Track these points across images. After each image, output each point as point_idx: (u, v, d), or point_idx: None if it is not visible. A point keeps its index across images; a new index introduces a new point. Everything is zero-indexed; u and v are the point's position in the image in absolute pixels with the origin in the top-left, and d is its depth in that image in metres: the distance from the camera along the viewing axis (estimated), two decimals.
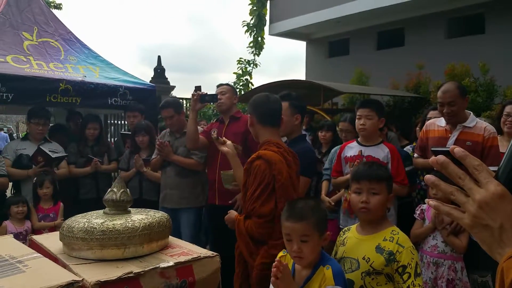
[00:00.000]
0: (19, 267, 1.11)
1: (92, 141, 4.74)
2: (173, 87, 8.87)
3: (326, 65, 12.60)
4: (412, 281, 1.73)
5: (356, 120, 3.24)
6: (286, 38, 13.34)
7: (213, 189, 3.76)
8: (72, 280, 1.04)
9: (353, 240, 2.00)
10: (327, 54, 12.96)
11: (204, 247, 4.29)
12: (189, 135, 3.68)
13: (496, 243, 0.71)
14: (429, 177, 0.78)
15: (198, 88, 3.56)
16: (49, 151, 4.18)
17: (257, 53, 12.04)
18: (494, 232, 0.71)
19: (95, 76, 5.23)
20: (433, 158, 0.77)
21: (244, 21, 12.04)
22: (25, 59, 4.83)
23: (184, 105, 8.41)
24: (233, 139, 3.64)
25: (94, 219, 1.31)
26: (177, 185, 3.94)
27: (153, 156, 4.12)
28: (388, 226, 1.92)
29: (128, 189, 1.42)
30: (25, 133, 4.69)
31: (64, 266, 1.21)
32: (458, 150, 0.76)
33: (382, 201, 1.92)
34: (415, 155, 3.60)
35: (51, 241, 1.38)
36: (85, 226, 1.28)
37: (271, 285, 1.72)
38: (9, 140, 14.90)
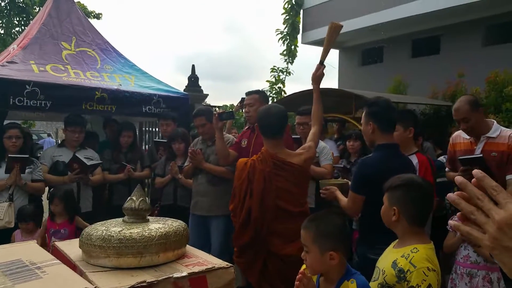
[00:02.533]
0: (37, 273, 1.15)
1: (126, 148, 4.85)
2: (206, 95, 8.97)
3: (360, 73, 12.46)
4: None
5: None
6: (319, 47, 13.29)
7: None
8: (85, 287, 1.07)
9: (387, 251, 2.01)
10: (360, 62, 12.82)
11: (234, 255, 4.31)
12: (219, 153, 3.75)
13: None
14: (450, 195, 0.77)
15: (243, 100, 3.64)
16: (85, 158, 4.28)
17: (290, 61, 12.05)
18: None
19: (130, 84, 5.37)
20: (456, 178, 0.77)
21: (277, 29, 12.09)
22: (63, 68, 5.01)
23: None
24: (260, 150, 3.65)
25: (112, 227, 1.34)
26: (208, 192, 3.98)
27: (185, 164, 4.18)
28: (414, 243, 1.84)
29: (147, 198, 1.44)
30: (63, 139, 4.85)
31: (81, 273, 1.24)
32: (475, 172, 0.75)
33: (383, 211, 1.95)
34: (447, 168, 3.58)
35: (72, 247, 1.42)
36: (103, 234, 1.31)
37: None
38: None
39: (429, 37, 10.73)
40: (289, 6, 11.98)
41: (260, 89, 4.20)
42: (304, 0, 12.17)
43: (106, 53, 5.75)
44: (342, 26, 3.08)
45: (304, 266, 1.88)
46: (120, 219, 1.43)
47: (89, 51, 5.58)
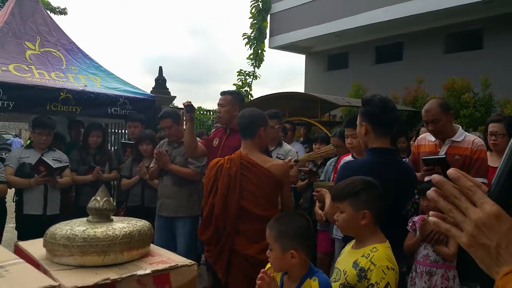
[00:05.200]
0: (0, 272, 1.14)
1: (94, 149, 4.80)
2: (174, 98, 8.93)
3: (325, 78, 12.70)
4: None
5: (345, 138, 3.43)
6: (286, 51, 13.47)
7: None
8: (49, 285, 1.06)
9: (346, 252, 2.05)
10: (326, 68, 13.06)
11: (200, 256, 4.33)
12: (187, 144, 3.76)
13: (492, 262, 0.73)
14: (430, 192, 0.80)
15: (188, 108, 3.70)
16: (53, 159, 4.20)
17: (257, 65, 12.13)
18: (491, 251, 0.72)
19: (95, 85, 5.32)
20: (433, 176, 0.80)
21: (244, 33, 12.16)
22: (27, 68, 4.92)
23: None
24: (228, 152, 3.69)
25: (77, 227, 1.35)
26: (173, 194, 3.99)
27: (151, 165, 4.18)
28: (374, 243, 1.89)
29: (111, 198, 1.47)
30: (29, 141, 4.72)
31: (45, 271, 1.23)
32: (450, 172, 0.78)
33: (346, 219, 1.93)
34: None
35: (36, 247, 1.41)
36: (67, 233, 1.32)
37: None
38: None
39: (392, 44, 11.06)
40: (256, 11, 12.08)
41: (236, 90, 4.21)
42: (271, 5, 12.30)
43: (71, 54, 5.67)
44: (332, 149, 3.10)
45: (268, 265, 1.94)
46: (84, 219, 1.45)
47: (54, 52, 5.49)
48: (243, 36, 12.10)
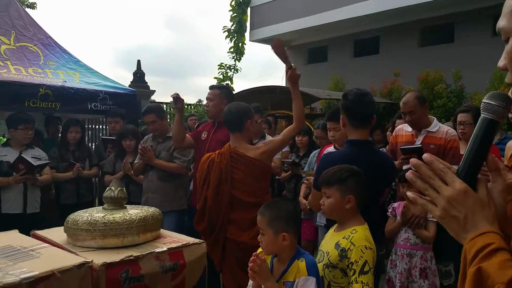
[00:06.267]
0: (32, 254, 1.26)
1: (73, 145, 4.70)
2: (153, 92, 8.88)
3: (305, 71, 12.73)
4: (356, 277, 1.87)
5: (328, 132, 3.59)
6: (266, 45, 13.51)
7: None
8: (84, 261, 1.21)
9: (328, 235, 2.19)
10: (306, 61, 13.17)
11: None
12: (174, 134, 3.78)
13: (461, 230, 0.86)
14: (408, 174, 0.91)
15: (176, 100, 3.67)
16: (32, 157, 4.11)
17: (237, 58, 12.11)
18: (460, 222, 0.86)
19: (75, 81, 5.26)
20: (411, 160, 0.91)
21: (224, 26, 12.14)
22: (2, 64, 4.82)
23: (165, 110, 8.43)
24: (215, 146, 3.71)
25: (96, 214, 1.55)
26: (159, 188, 3.99)
27: (135, 161, 4.16)
28: (354, 225, 2.04)
29: (124, 188, 1.63)
30: (5, 138, 4.61)
31: (72, 253, 1.36)
32: (425, 156, 0.90)
33: (332, 204, 2.06)
34: None
35: (54, 234, 1.57)
36: (89, 219, 1.51)
37: (249, 280, 1.87)
38: None
39: (369, 38, 11.24)
40: (236, 4, 12.04)
41: (224, 84, 4.24)
42: None
43: (49, 49, 5.59)
44: (280, 40, 3.13)
45: (259, 250, 2.01)
46: (100, 207, 1.65)
47: (31, 46, 5.39)
48: (223, 29, 12.08)
